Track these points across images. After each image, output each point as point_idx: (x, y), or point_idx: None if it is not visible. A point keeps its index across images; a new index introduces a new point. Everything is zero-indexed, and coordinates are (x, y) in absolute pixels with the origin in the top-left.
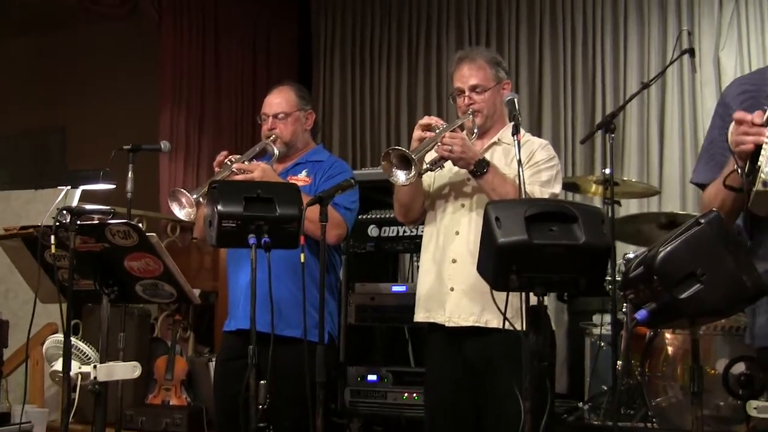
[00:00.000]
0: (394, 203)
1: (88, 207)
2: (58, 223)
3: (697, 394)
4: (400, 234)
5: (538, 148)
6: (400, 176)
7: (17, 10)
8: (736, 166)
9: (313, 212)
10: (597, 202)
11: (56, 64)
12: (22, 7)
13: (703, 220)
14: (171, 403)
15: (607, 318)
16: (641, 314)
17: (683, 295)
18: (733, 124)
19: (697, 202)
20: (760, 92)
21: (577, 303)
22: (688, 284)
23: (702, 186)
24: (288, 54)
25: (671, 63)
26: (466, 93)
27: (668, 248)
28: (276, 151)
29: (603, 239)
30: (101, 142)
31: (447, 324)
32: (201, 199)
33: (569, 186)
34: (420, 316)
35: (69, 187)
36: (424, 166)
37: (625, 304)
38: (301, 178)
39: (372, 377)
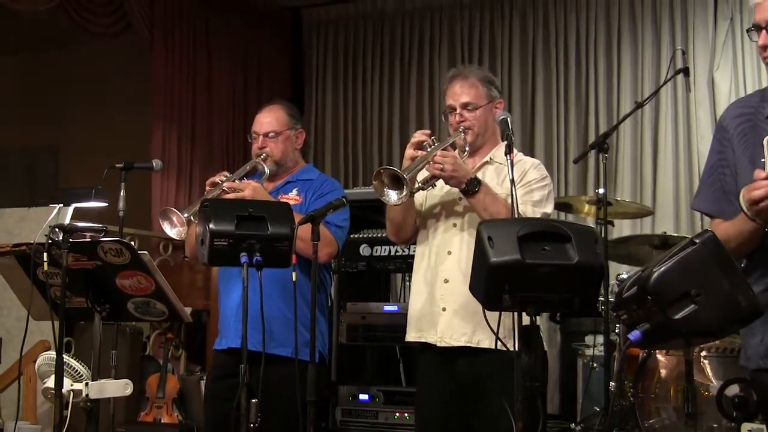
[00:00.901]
0: (386, 223)
1: (81, 225)
2: (50, 241)
3: (692, 416)
4: (392, 253)
5: (530, 167)
6: (392, 196)
7: (8, 29)
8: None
9: (304, 231)
10: (590, 222)
11: (48, 83)
12: (14, 26)
13: (697, 240)
14: (162, 421)
15: (600, 339)
16: (635, 335)
17: (677, 316)
18: (742, 191)
19: (690, 223)
20: (758, 114)
21: (569, 324)
22: (682, 304)
23: (704, 213)
24: (280, 72)
25: (666, 82)
26: (458, 110)
27: (662, 268)
28: (266, 170)
29: (596, 259)
30: (92, 161)
31: (438, 344)
32: (192, 218)
33: (562, 206)
34: (411, 336)
35: (61, 205)
36: (416, 185)
37: (617, 325)
38: (292, 197)
39: (363, 396)
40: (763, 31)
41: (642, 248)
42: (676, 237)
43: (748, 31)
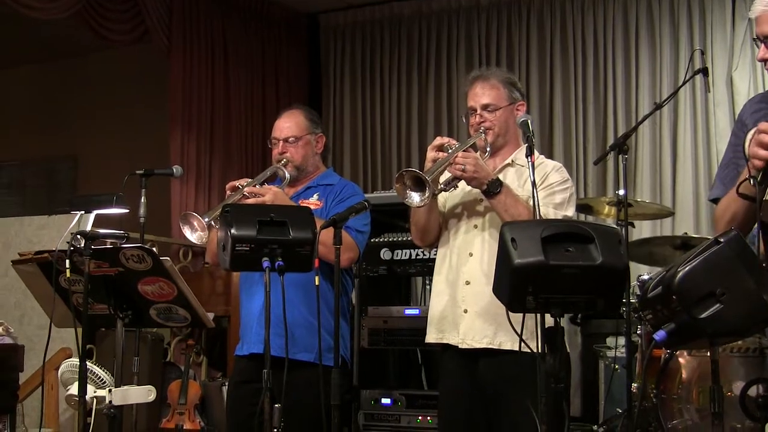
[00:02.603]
0: (411, 227)
1: (102, 231)
2: (72, 248)
3: (718, 415)
4: (413, 257)
5: (551, 170)
6: (415, 198)
7: (29, 39)
8: (749, 175)
9: (325, 235)
10: (610, 224)
11: (67, 91)
12: (34, 36)
13: (722, 240)
14: (185, 428)
15: (621, 340)
16: (660, 335)
17: (702, 315)
18: (752, 131)
19: (710, 223)
20: None
21: (590, 326)
22: (707, 304)
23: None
24: (297, 77)
25: (685, 83)
26: (478, 111)
27: (687, 268)
28: (287, 175)
29: (620, 259)
30: (111, 169)
31: (461, 345)
32: (212, 223)
33: (582, 207)
34: (432, 337)
35: (83, 212)
36: (438, 187)
37: (639, 327)
38: (313, 202)
39: (386, 401)
40: (762, 45)
41: (664, 248)
42: (698, 238)
43: (753, 39)
